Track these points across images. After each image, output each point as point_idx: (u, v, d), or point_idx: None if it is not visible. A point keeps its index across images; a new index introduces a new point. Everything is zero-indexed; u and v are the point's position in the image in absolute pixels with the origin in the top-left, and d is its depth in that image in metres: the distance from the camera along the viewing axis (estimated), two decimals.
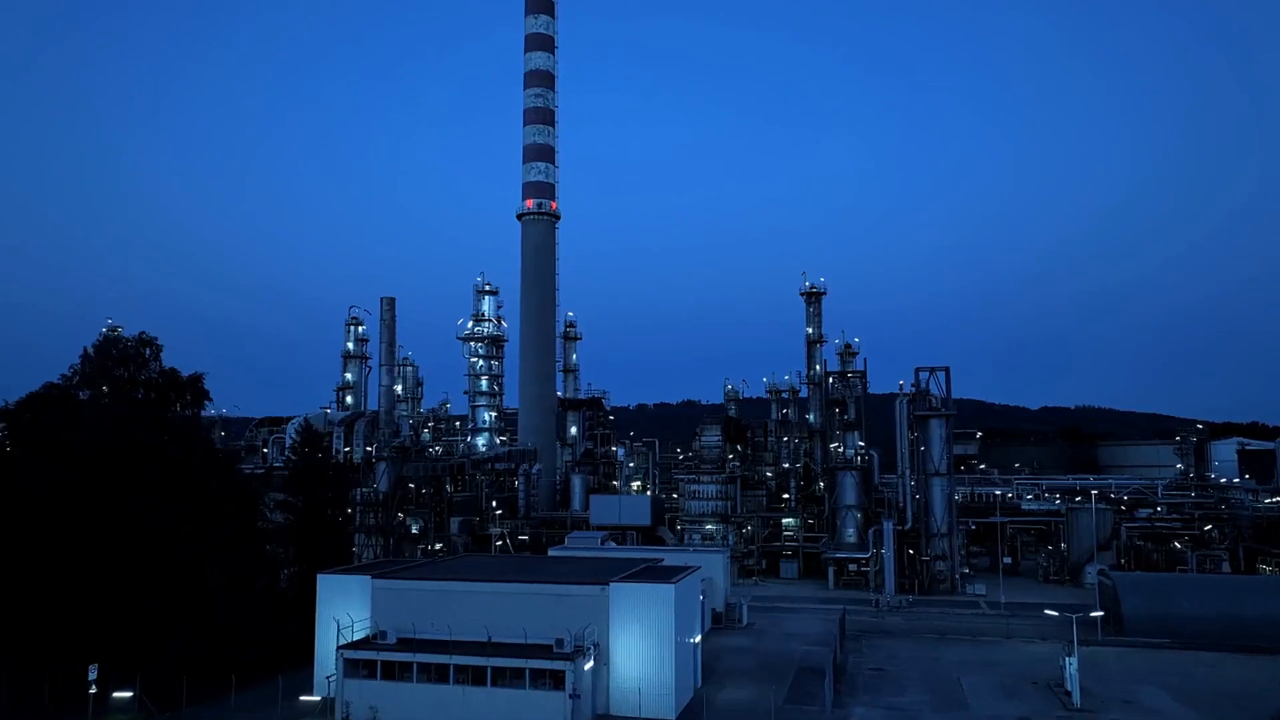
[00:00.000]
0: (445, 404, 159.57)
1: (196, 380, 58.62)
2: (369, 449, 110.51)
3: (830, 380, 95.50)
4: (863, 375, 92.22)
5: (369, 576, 48.40)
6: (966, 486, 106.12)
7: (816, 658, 56.05)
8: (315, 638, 48.12)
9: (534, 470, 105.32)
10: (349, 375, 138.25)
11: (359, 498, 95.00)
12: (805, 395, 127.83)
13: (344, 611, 47.46)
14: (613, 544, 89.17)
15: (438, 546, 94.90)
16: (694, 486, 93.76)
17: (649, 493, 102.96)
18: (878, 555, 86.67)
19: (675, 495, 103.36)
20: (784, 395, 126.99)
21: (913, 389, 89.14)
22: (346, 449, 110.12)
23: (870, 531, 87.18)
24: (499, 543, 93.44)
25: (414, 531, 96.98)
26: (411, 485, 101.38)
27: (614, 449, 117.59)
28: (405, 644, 44.74)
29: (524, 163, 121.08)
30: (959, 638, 64.03)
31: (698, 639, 49.91)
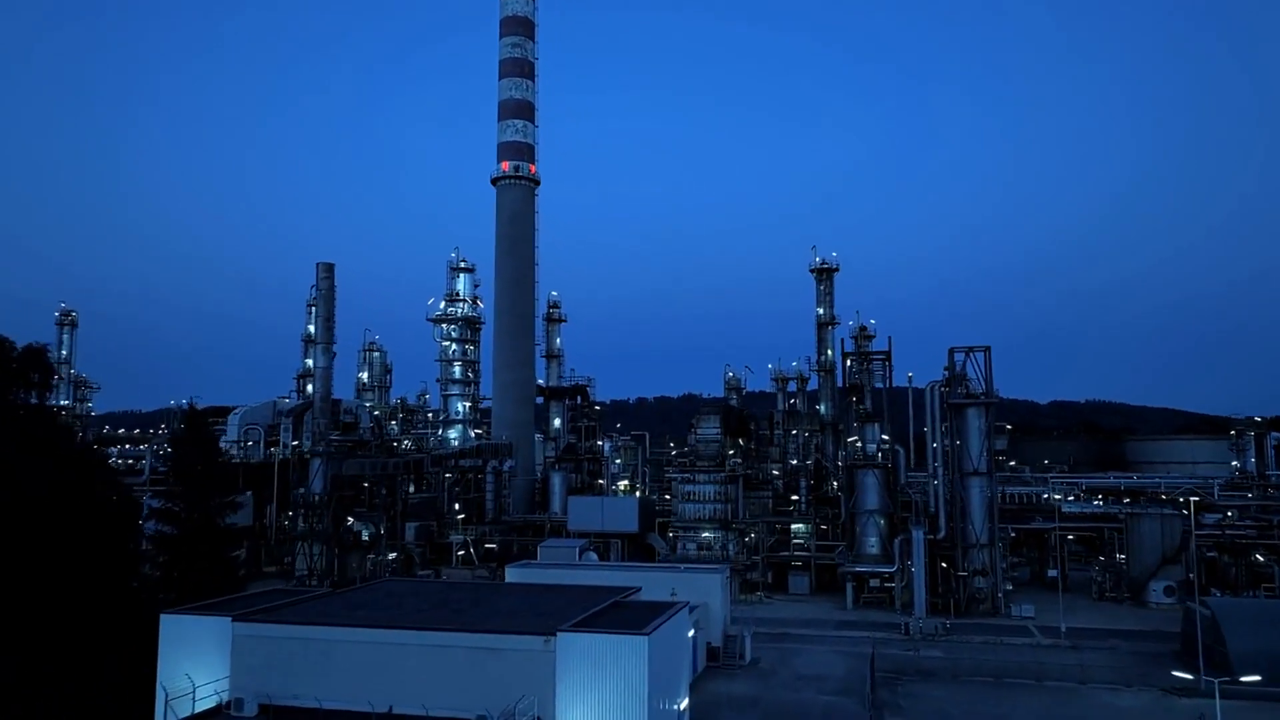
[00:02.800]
0: (424, 394, 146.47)
1: (35, 355, 45.31)
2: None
3: (848, 363, 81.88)
4: (886, 357, 78.70)
5: (229, 618, 35.10)
6: (998, 486, 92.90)
7: (843, 716, 42.80)
8: (155, 703, 34.87)
9: (506, 467, 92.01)
10: (309, 361, 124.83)
11: (299, 499, 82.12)
12: (816, 386, 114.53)
13: (195, 666, 34.30)
14: (593, 555, 76.10)
15: (391, 556, 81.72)
16: (689, 487, 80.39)
17: (638, 493, 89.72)
18: (905, 570, 73.44)
19: (668, 496, 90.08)
20: (791, 385, 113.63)
21: (945, 373, 75.71)
22: (295, 442, 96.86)
23: (896, 541, 73.83)
24: (460, 552, 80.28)
25: (364, 539, 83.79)
26: (366, 485, 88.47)
27: (599, 443, 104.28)
28: (266, 718, 31.60)
29: (499, 120, 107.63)
30: (1020, 682, 50.64)
31: (684, 703, 36.62)
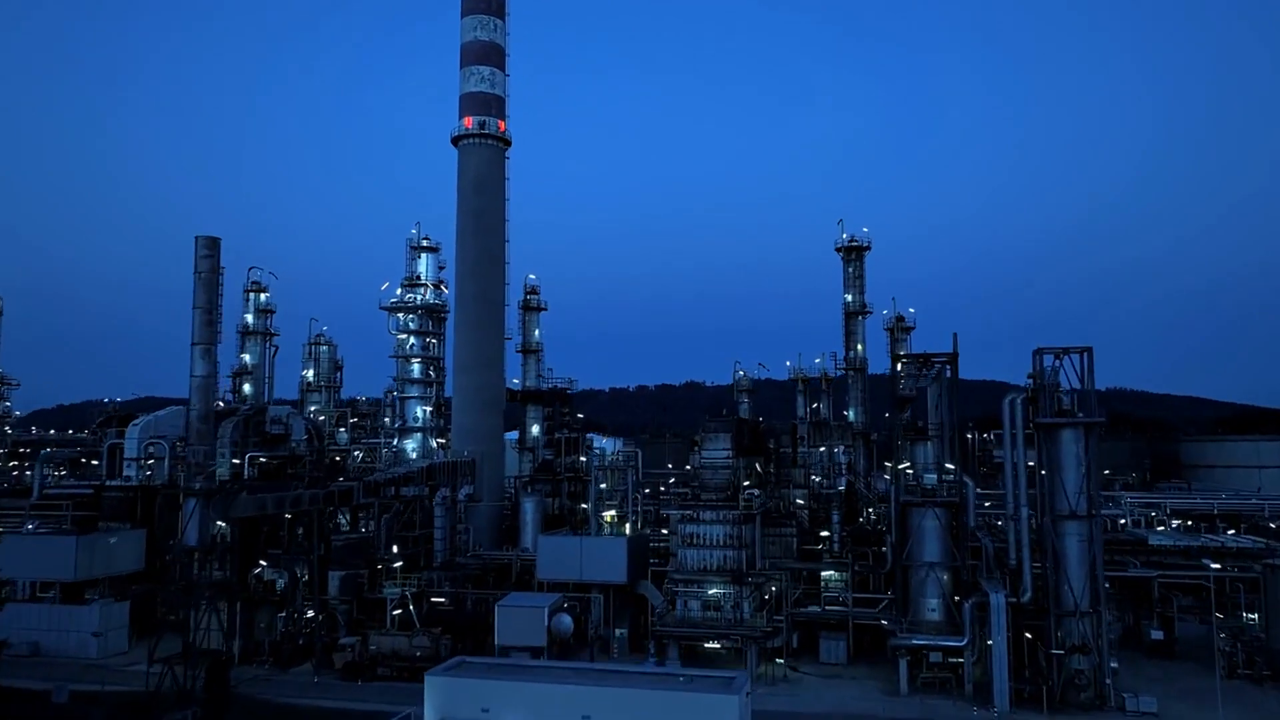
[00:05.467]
0: (391, 392, 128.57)
1: None
2: (238, 461, 79.51)
3: (898, 366, 63.28)
4: (951, 360, 60.15)
5: None
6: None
7: None
8: None
9: (462, 494, 73.83)
10: (246, 357, 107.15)
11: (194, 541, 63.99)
12: (841, 373, 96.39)
13: None
14: (566, 620, 58.62)
15: (309, 615, 63.79)
16: (691, 528, 62.28)
17: (628, 526, 71.54)
18: (980, 643, 55.60)
19: (665, 531, 72.15)
20: (816, 383, 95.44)
21: (1029, 380, 57.43)
22: None
23: (966, 606, 55.72)
24: (397, 611, 62.27)
25: (279, 590, 65.92)
26: (289, 516, 70.47)
27: (582, 459, 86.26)
28: None
29: (462, 67, 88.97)
30: None
31: None
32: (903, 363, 62.73)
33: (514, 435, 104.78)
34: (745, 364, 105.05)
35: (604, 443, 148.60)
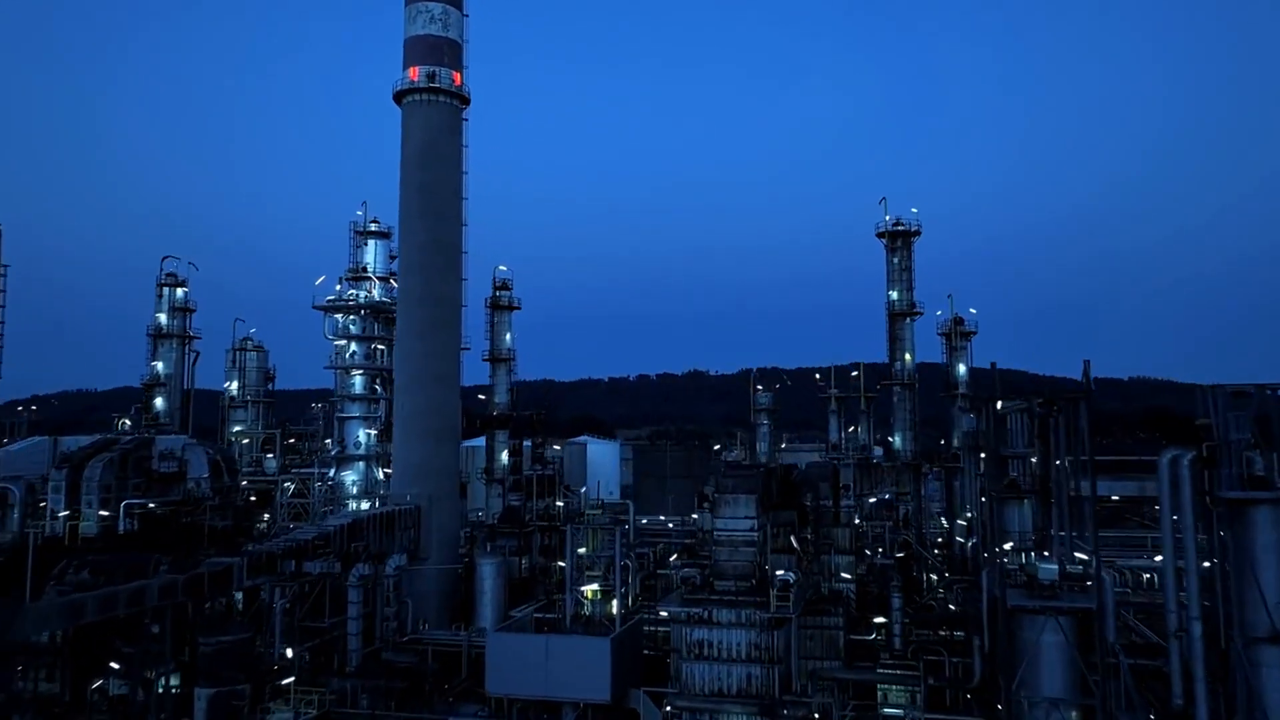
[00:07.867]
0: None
1: None
2: (107, 513, 61.47)
3: (995, 407, 44.48)
4: (1083, 398, 41.20)
5: None
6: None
7: None
8: None
9: (391, 566, 55.45)
10: (159, 364, 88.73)
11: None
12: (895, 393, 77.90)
13: None
14: None
15: None
16: (701, 633, 44.10)
17: (615, 606, 52.95)
18: None
19: (665, 614, 53.74)
20: (854, 400, 76.99)
21: (1208, 433, 38.90)
22: (67, 512, 60.30)
23: None
24: None
25: (139, 702, 47.86)
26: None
27: (559, 503, 67.91)
28: None
29: (407, 4, 70.25)
30: None
31: None
32: (1002, 400, 44.09)
33: (479, 443, 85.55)
34: (752, 359, 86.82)
35: (598, 446, 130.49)
